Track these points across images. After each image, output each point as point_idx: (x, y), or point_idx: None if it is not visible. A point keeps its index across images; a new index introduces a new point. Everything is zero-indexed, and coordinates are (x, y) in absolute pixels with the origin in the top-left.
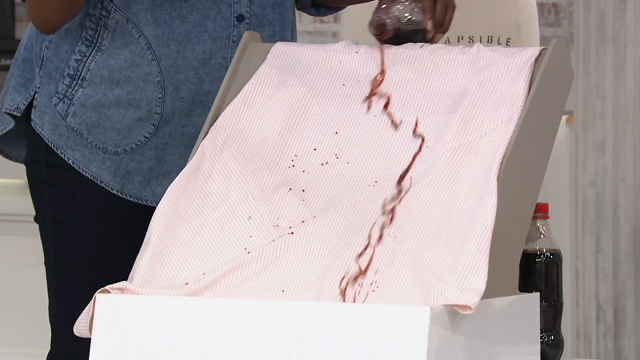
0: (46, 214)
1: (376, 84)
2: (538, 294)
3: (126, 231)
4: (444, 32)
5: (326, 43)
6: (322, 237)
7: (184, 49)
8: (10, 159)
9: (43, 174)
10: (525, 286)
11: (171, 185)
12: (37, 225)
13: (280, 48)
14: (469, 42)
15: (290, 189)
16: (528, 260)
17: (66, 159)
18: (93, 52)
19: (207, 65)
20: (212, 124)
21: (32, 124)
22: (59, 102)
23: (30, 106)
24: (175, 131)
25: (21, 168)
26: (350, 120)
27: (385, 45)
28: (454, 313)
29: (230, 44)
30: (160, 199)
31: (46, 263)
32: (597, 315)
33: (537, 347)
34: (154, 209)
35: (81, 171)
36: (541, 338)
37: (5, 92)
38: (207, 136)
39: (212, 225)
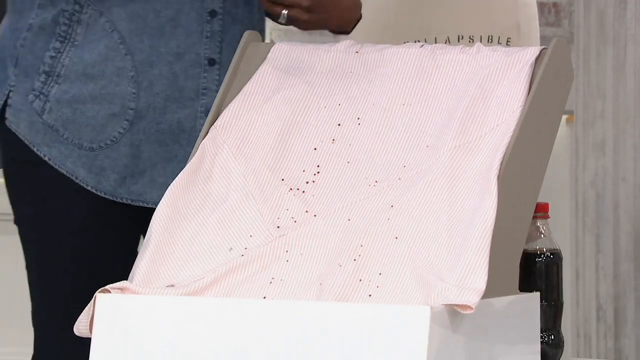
0: (25, 213)
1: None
2: (538, 293)
3: (103, 227)
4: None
5: (327, 43)
6: (323, 236)
7: (158, 44)
8: None
9: (20, 173)
10: (525, 286)
11: (171, 185)
12: None
13: (280, 48)
14: (469, 42)
15: (291, 188)
16: (528, 260)
17: (42, 156)
18: (67, 47)
19: (181, 60)
20: (212, 124)
21: (7, 123)
22: (35, 99)
23: (5, 106)
24: (150, 127)
25: None
26: (350, 120)
27: (386, 45)
28: (454, 313)
29: (204, 39)
30: (136, 197)
31: (27, 266)
32: (597, 314)
33: (538, 347)
34: (129, 206)
35: (57, 167)
36: (541, 338)
37: None
38: (207, 136)
39: (212, 225)
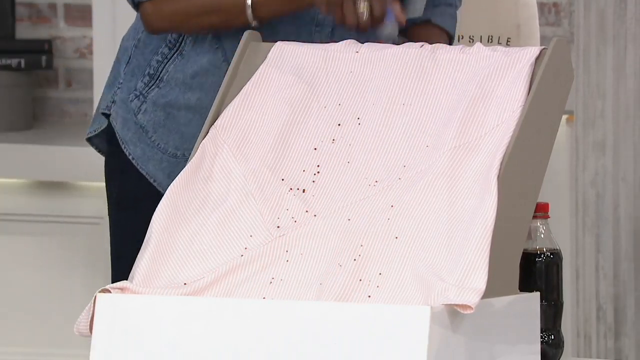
0: (113, 201)
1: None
2: (538, 293)
3: None
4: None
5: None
6: (323, 236)
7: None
8: (103, 154)
9: (116, 161)
10: (525, 286)
11: (171, 185)
12: (38, 225)
13: (280, 48)
14: (469, 42)
15: (291, 188)
16: (528, 260)
17: (127, 154)
18: (174, 55)
19: None
20: (212, 124)
21: (110, 118)
22: (134, 99)
23: (112, 102)
24: None
25: (22, 168)
26: (350, 120)
27: (385, 45)
28: (454, 313)
29: (314, 29)
30: None
31: (111, 253)
32: (597, 314)
33: (538, 347)
34: None
35: (138, 167)
36: (541, 337)
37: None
38: (207, 136)
39: (213, 225)
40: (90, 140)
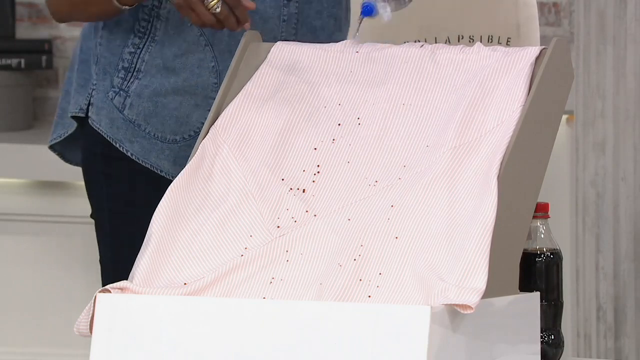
0: (104, 207)
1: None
2: (538, 293)
3: None
4: None
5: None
6: (323, 236)
7: (236, 33)
8: (70, 163)
9: (99, 166)
10: (525, 286)
11: (171, 184)
12: (38, 225)
13: (280, 48)
14: (469, 42)
15: (291, 188)
16: (528, 260)
17: (125, 152)
18: (147, 43)
19: None
20: (212, 124)
21: (90, 122)
22: (115, 96)
23: (88, 105)
24: None
25: (21, 168)
26: (350, 120)
27: (386, 45)
28: (454, 312)
29: (281, 24)
30: None
31: (101, 260)
32: (598, 314)
33: (538, 347)
34: None
35: (140, 162)
36: (541, 337)
37: (65, 97)
38: (207, 136)
39: (212, 225)
40: (53, 147)
